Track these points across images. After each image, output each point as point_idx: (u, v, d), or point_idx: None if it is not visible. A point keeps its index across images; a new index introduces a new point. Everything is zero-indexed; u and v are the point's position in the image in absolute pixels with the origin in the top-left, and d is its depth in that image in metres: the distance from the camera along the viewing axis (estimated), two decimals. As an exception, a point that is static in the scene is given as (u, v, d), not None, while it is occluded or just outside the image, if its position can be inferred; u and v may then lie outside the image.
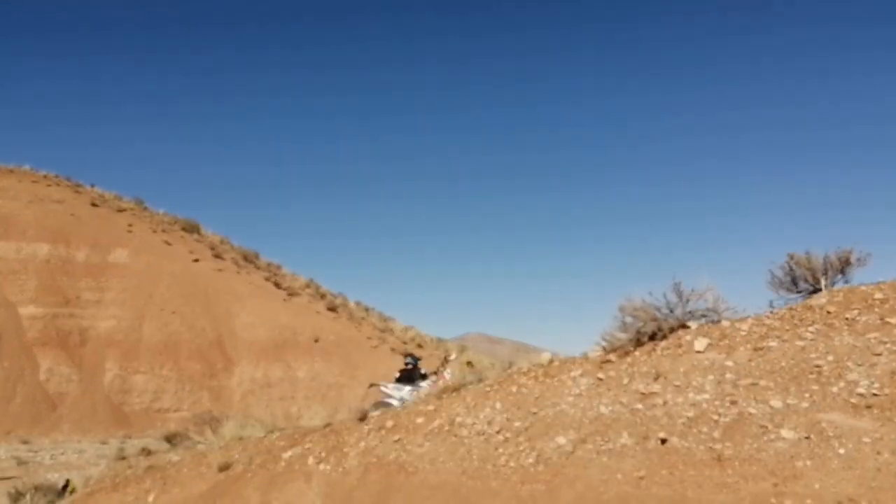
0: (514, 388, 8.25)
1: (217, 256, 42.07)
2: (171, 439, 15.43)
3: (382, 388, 14.28)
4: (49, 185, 43.19)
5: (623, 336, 8.04)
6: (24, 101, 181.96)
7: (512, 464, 7.18)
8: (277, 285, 41.08)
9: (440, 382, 10.15)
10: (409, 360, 15.57)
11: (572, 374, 7.98)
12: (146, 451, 14.44)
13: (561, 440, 7.12)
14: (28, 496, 12.85)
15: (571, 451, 6.96)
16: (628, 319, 8.03)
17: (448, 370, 11.54)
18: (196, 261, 40.50)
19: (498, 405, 8.03)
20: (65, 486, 13.38)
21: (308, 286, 43.23)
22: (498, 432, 7.61)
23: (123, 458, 15.43)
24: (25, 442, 29.25)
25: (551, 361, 8.47)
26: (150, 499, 9.24)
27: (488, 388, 8.53)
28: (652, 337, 7.93)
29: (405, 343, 37.22)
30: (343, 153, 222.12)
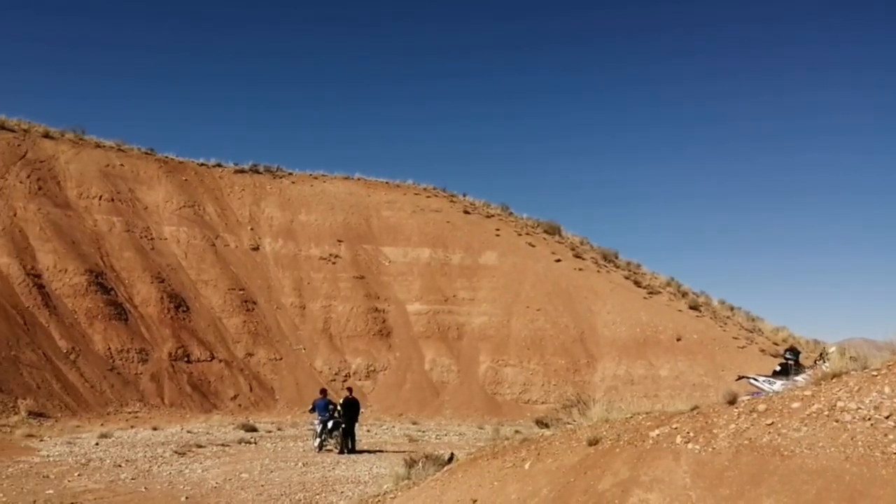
0: (907, 373, 7.44)
1: (577, 256, 43.42)
2: (541, 422, 16.40)
3: (752, 381, 13.64)
4: (428, 197, 48.28)
5: None
6: (403, 120, 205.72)
7: (905, 452, 6.51)
8: (637, 283, 41.14)
9: (817, 373, 9.46)
10: (789, 354, 14.62)
11: (982, 357, 6.97)
12: (519, 433, 15.55)
13: (968, 429, 6.28)
14: (420, 463, 14.59)
15: (982, 442, 6.11)
16: None
17: (826, 363, 10.67)
18: (558, 261, 42.26)
19: (887, 389, 7.30)
20: (450, 458, 14.91)
21: (668, 284, 42.64)
22: (887, 418, 6.94)
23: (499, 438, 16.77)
24: (414, 423, 32.99)
25: (955, 344, 7.48)
26: (527, 466, 9.99)
27: (875, 373, 7.79)
28: None
29: (776, 344, 34.88)
30: (710, 160, 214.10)
